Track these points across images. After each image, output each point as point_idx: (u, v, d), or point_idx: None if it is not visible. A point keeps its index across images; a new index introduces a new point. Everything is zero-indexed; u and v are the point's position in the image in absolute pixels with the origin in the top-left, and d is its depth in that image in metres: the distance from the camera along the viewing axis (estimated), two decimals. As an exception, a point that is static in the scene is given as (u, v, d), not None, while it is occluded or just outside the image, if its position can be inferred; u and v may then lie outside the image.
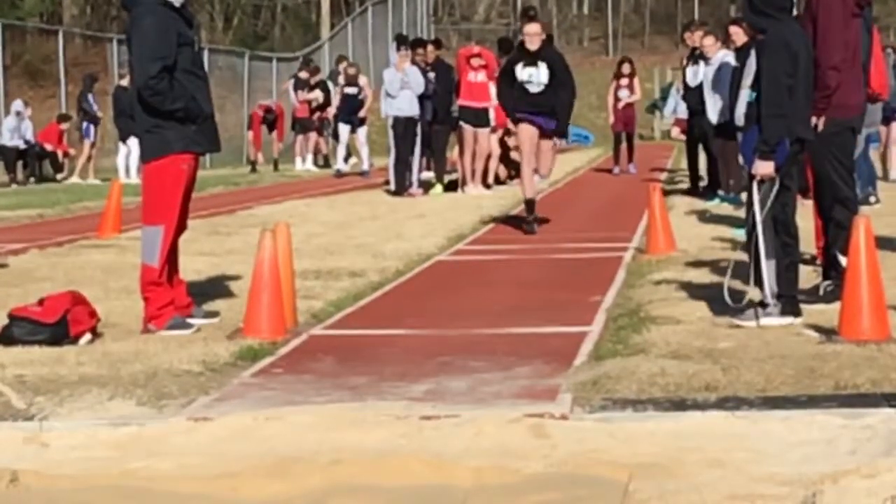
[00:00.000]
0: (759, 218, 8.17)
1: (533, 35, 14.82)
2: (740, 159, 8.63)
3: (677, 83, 23.17)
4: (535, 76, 14.65)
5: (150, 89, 8.48)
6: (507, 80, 15.02)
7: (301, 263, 10.65)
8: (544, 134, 14.85)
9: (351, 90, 27.84)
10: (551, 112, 14.74)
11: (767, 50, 8.21)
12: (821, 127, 8.97)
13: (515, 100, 14.85)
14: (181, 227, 8.80)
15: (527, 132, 14.87)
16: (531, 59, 14.73)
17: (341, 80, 28.67)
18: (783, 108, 8.11)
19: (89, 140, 30.50)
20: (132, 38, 8.66)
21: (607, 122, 27.27)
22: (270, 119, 33.14)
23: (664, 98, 30.32)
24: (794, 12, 8.67)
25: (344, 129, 27.99)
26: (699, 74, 18.93)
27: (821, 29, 9.01)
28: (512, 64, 15.06)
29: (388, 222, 16.54)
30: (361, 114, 27.74)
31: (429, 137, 21.80)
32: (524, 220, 15.12)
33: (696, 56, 19.26)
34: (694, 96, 19.22)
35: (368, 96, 28.00)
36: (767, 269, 8.16)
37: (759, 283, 8.25)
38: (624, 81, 26.36)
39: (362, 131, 28.10)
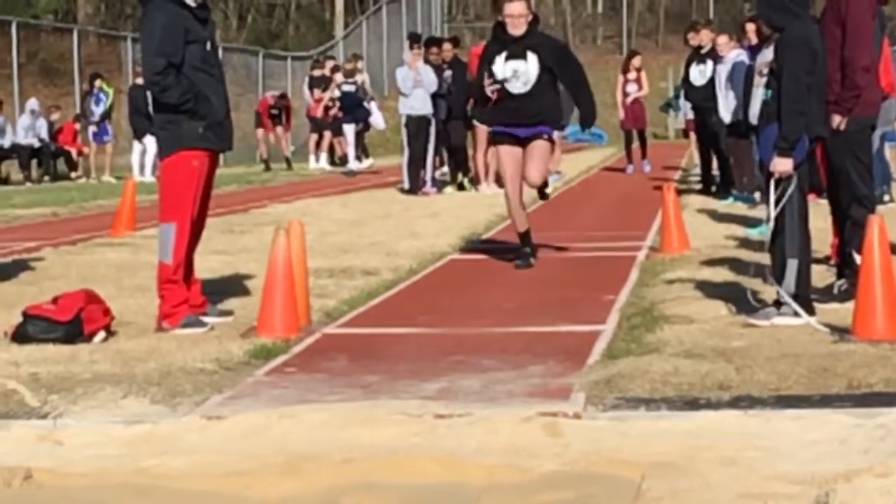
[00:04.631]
0: (772, 214, 8.17)
1: (516, 17, 11.62)
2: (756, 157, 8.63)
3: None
4: (521, 71, 11.58)
5: (155, 85, 8.59)
6: (482, 82, 11.84)
7: (314, 262, 10.66)
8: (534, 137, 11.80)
9: (349, 87, 27.75)
10: (541, 121, 11.71)
11: (789, 47, 8.18)
12: (843, 126, 8.97)
13: (491, 109, 11.81)
14: (198, 226, 8.81)
15: (508, 155, 11.78)
16: (517, 48, 11.60)
17: (339, 77, 28.55)
18: (803, 106, 8.10)
19: (97, 141, 30.68)
20: (140, 35, 8.78)
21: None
22: (279, 108, 32.83)
23: (678, 97, 30.32)
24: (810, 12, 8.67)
25: (349, 128, 27.92)
26: (706, 73, 18.94)
27: (852, 29, 8.98)
28: (489, 57, 11.78)
29: (402, 221, 16.54)
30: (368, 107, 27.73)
31: (443, 136, 21.82)
32: (517, 254, 12.06)
33: (703, 55, 19.26)
34: (699, 95, 19.22)
35: (368, 94, 27.92)
36: (789, 268, 8.15)
37: (778, 282, 8.24)
38: (632, 76, 26.23)
39: (375, 118, 27.94)
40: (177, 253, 8.61)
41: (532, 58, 11.58)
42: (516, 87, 11.59)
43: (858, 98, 8.99)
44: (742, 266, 10.07)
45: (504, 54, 11.62)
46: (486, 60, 11.82)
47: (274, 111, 32.71)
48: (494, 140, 12.20)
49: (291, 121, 33.63)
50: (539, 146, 11.72)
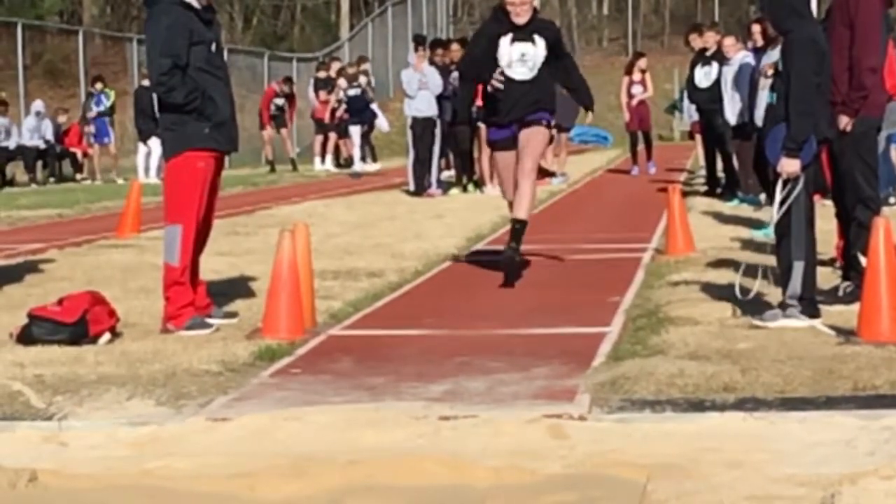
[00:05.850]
0: (775, 215, 8.17)
1: (518, 5, 11.11)
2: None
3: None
4: (530, 55, 11.11)
5: (161, 85, 8.62)
6: (476, 56, 11.39)
7: (319, 263, 10.67)
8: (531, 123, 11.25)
9: (353, 91, 27.78)
10: (539, 108, 11.23)
11: (797, 48, 8.18)
12: (849, 127, 8.96)
13: (492, 103, 11.27)
14: (204, 228, 8.81)
15: (504, 161, 11.36)
16: (522, 33, 11.13)
17: (342, 82, 28.59)
18: (812, 106, 8.10)
19: (98, 142, 30.75)
20: (146, 37, 8.81)
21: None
22: (284, 95, 32.64)
23: (683, 99, 30.33)
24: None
25: (355, 130, 27.93)
26: (710, 75, 18.93)
27: (861, 30, 8.96)
28: (495, 35, 11.23)
29: (407, 222, 16.55)
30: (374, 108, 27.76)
31: (448, 138, 21.82)
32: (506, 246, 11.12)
33: (707, 57, 19.25)
34: (703, 96, 19.22)
35: (371, 99, 27.95)
36: (795, 270, 8.15)
37: (784, 284, 8.24)
38: (637, 77, 26.21)
39: (379, 121, 27.95)
40: (183, 255, 8.62)
41: (540, 41, 11.16)
42: (520, 73, 11.11)
43: (866, 99, 8.99)
44: (747, 268, 10.06)
45: (510, 36, 11.13)
46: (487, 38, 11.29)
47: (278, 101, 32.55)
48: (490, 145, 11.83)
49: (295, 107, 33.53)
50: (535, 138, 11.19)
